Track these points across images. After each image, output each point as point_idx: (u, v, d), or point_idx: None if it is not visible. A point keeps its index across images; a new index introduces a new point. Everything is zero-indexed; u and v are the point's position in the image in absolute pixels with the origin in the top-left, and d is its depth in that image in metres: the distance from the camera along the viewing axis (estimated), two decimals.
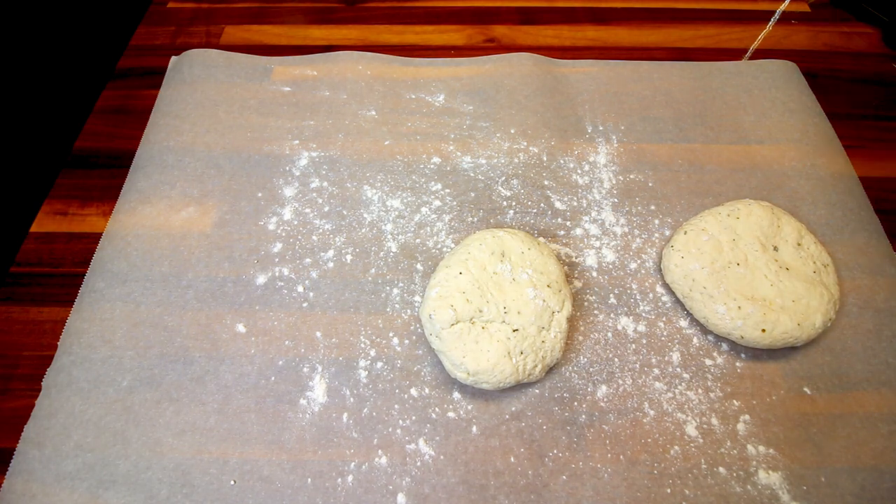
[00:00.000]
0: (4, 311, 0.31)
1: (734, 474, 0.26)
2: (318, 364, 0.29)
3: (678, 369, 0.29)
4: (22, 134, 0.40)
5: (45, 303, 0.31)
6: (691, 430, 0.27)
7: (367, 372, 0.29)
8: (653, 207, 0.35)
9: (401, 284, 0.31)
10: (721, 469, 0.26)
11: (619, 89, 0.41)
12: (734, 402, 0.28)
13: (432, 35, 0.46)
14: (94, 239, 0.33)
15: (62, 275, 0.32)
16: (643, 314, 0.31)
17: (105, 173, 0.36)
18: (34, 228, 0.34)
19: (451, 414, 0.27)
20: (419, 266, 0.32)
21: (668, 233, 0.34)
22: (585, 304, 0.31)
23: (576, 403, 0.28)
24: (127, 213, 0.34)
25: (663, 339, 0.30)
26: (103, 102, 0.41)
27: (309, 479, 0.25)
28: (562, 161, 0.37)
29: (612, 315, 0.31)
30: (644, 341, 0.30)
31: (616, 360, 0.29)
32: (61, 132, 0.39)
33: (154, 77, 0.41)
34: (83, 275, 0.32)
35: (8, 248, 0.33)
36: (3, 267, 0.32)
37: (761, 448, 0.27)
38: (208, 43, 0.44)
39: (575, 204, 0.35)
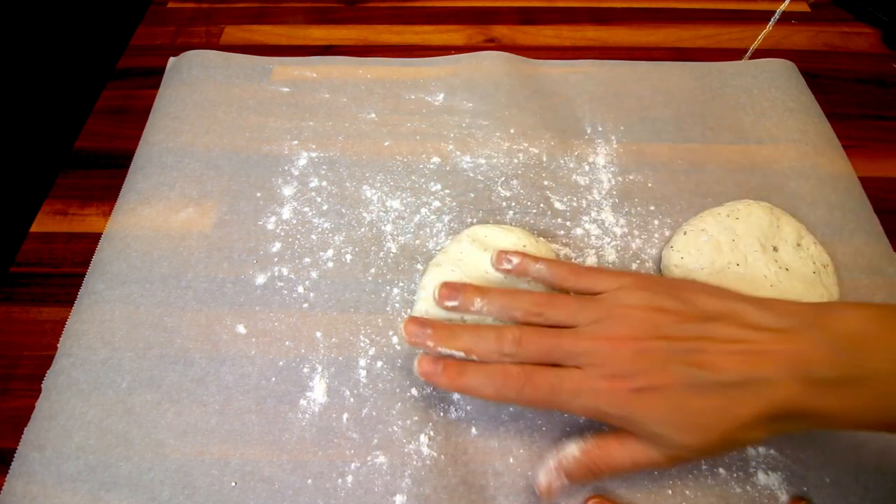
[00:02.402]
0: (4, 311, 0.31)
1: (734, 475, 0.26)
2: (318, 364, 0.29)
3: None
4: (22, 134, 0.40)
5: (45, 303, 0.31)
6: None
7: (366, 371, 0.29)
8: (652, 208, 0.35)
9: (401, 284, 0.31)
10: (721, 470, 0.26)
11: (618, 89, 0.41)
12: None
13: (432, 35, 0.46)
14: (94, 239, 0.33)
15: (62, 275, 0.32)
16: None
17: (105, 173, 0.36)
18: (34, 228, 0.34)
19: (451, 414, 0.27)
20: (419, 266, 0.32)
21: (667, 233, 0.34)
22: None
23: None
24: (126, 215, 0.34)
25: None
26: (103, 102, 0.41)
27: (309, 480, 0.25)
28: (561, 161, 0.37)
29: None
30: None
31: None
32: (61, 132, 0.39)
33: (154, 77, 0.41)
34: (83, 275, 0.32)
35: (8, 248, 0.33)
36: (3, 267, 0.32)
37: (761, 449, 0.27)
38: (208, 43, 0.44)
39: (575, 204, 0.35)
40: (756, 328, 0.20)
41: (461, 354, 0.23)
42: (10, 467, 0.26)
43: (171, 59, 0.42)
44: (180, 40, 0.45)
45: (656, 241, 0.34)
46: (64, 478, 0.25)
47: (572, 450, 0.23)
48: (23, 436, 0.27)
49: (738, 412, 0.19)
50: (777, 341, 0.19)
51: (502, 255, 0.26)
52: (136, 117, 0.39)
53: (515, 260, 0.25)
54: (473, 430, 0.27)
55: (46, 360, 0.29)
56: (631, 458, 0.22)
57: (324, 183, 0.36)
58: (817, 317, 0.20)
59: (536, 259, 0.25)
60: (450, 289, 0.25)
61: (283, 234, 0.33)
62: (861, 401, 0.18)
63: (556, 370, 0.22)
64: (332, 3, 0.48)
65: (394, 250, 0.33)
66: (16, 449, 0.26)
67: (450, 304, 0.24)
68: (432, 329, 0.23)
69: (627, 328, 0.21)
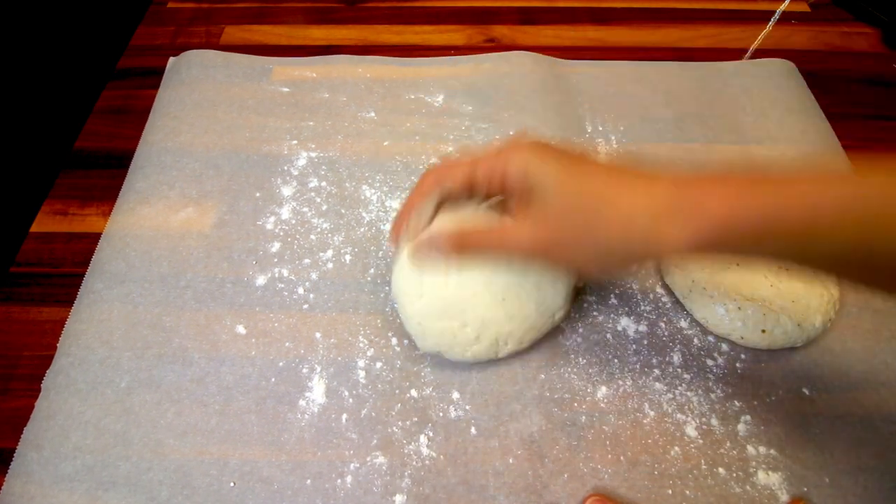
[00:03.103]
0: (4, 311, 0.31)
1: (734, 475, 0.26)
2: (317, 365, 0.29)
3: (679, 370, 0.29)
4: (22, 134, 0.40)
5: (45, 303, 0.31)
6: (691, 430, 0.27)
7: (365, 372, 0.29)
8: None
9: None
10: (721, 470, 0.26)
11: (618, 89, 0.41)
12: (735, 402, 0.28)
13: (432, 35, 0.46)
14: (94, 239, 0.33)
15: (62, 275, 0.32)
16: (644, 315, 0.31)
17: (105, 173, 0.36)
18: (34, 228, 0.34)
19: (450, 414, 0.27)
20: None
21: None
22: (585, 304, 0.31)
23: (576, 404, 0.28)
24: (125, 214, 0.34)
25: (664, 339, 0.30)
26: (103, 102, 0.40)
27: (308, 481, 0.25)
28: None
29: (612, 316, 0.30)
30: (645, 342, 0.30)
31: (616, 360, 0.29)
32: (61, 132, 0.39)
33: (154, 77, 0.41)
34: (83, 275, 0.32)
35: (8, 248, 0.33)
36: (3, 267, 0.32)
37: (761, 449, 0.27)
38: (208, 43, 0.44)
39: None
40: None
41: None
42: (10, 467, 0.26)
43: (171, 59, 0.42)
44: (180, 40, 0.45)
45: None
46: (61, 478, 0.25)
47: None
48: (22, 435, 0.27)
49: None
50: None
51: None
52: (136, 117, 0.39)
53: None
54: (473, 430, 0.27)
55: (46, 360, 0.29)
56: (500, 242, 0.24)
57: (323, 183, 0.36)
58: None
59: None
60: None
61: (282, 234, 0.33)
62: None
63: None
64: (332, 3, 0.48)
65: (393, 249, 0.33)
66: (16, 449, 0.26)
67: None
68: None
69: None
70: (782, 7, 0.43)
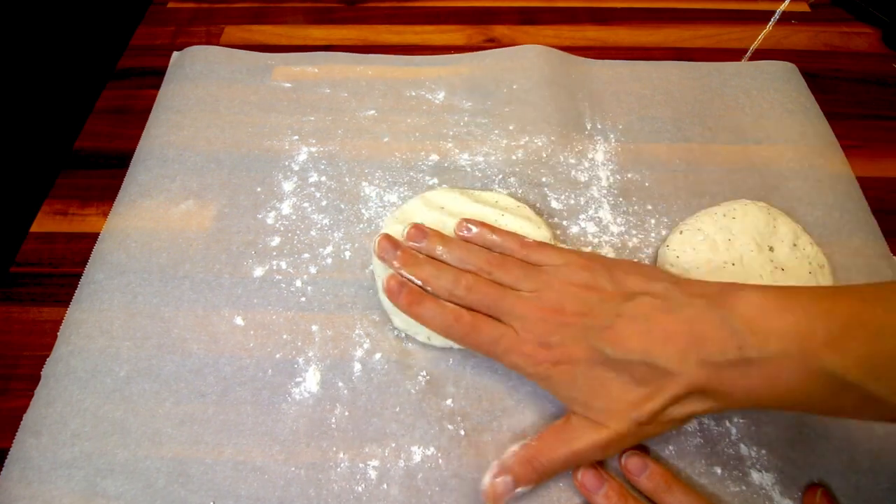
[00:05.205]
0: (4, 311, 0.31)
1: (728, 474, 0.26)
2: (312, 357, 0.29)
3: None
4: (22, 134, 0.40)
5: (45, 303, 0.31)
6: (686, 428, 0.27)
7: (361, 365, 0.29)
8: (649, 207, 0.35)
9: None
10: (717, 468, 0.26)
11: (618, 88, 0.41)
12: None
13: (432, 35, 0.46)
14: (94, 239, 0.33)
15: (62, 275, 0.32)
16: None
17: (105, 173, 0.36)
18: (34, 228, 0.34)
19: (444, 408, 0.27)
20: None
21: (664, 232, 0.34)
22: None
23: None
24: (127, 206, 0.34)
25: None
26: (103, 102, 0.41)
27: (302, 471, 0.26)
28: (560, 158, 0.37)
29: None
30: None
31: None
32: (61, 132, 0.39)
33: (154, 77, 0.42)
34: (83, 275, 0.32)
35: (8, 248, 0.33)
36: (3, 267, 0.32)
37: (754, 448, 0.27)
38: (208, 43, 0.45)
39: (572, 202, 0.35)
40: (665, 309, 0.21)
41: (419, 282, 0.26)
42: (9, 452, 0.26)
43: (175, 54, 0.43)
44: (180, 40, 0.45)
45: (653, 239, 0.34)
46: (59, 464, 0.26)
47: (514, 447, 0.24)
48: (21, 422, 0.27)
49: (641, 388, 0.20)
50: (680, 322, 0.20)
51: (463, 223, 0.28)
52: (136, 117, 0.39)
53: (475, 229, 0.28)
54: (467, 424, 0.27)
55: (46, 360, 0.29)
56: (569, 447, 0.23)
57: (323, 178, 0.36)
58: (722, 297, 0.21)
59: (493, 230, 0.28)
60: (418, 231, 0.28)
61: (282, 228, 0.34)
62: (752, 381, 0.19)
63: (498, 325, 0.25)
64: (332, 3, 0.48)
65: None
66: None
67: (414, 244, 0.27)
68: (401, 252, 0.27)
69: (557, 301, 0.23)
70: (782, 7, 0.43)
